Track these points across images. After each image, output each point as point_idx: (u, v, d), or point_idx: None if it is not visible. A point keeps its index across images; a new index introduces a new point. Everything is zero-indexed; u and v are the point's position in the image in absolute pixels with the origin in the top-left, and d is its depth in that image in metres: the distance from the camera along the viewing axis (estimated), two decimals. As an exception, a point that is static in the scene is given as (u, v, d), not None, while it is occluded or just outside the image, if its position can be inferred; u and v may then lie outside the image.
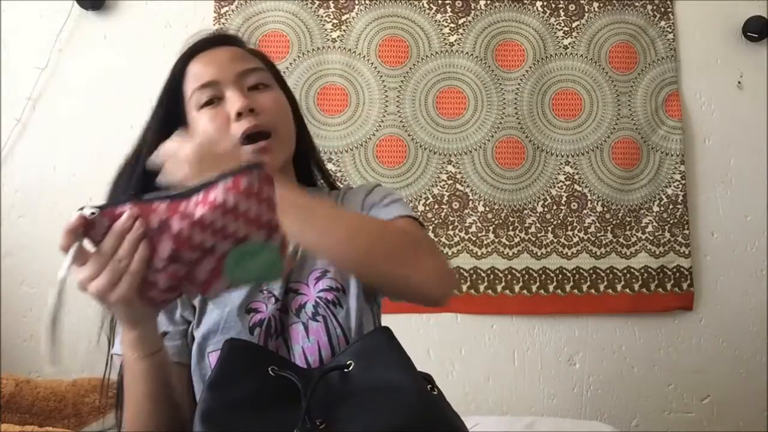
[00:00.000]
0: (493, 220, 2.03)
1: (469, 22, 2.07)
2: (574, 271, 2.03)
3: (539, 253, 2.03)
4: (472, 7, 2.08)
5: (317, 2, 2.06)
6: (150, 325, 0.78)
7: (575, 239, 2.04)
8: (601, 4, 2.10)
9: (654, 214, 2.06)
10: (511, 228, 2.04)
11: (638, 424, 2.03)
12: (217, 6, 2.04)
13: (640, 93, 2.08)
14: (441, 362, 2.00)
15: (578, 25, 2.09)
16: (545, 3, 2.09)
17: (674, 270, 2.04)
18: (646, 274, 2.04)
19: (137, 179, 0.91)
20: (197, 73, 0.95)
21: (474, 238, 2.03)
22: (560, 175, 2.06)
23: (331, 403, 0.76)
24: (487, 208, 2.04)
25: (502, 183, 2.05)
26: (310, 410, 0.73)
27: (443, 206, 2.03)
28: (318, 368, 0.84)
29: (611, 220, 2.05)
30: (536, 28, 2.08)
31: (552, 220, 2.05)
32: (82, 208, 0.67)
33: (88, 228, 0.67)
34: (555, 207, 2.05)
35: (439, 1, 2.08)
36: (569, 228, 2.05)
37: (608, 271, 2.04)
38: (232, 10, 2.04)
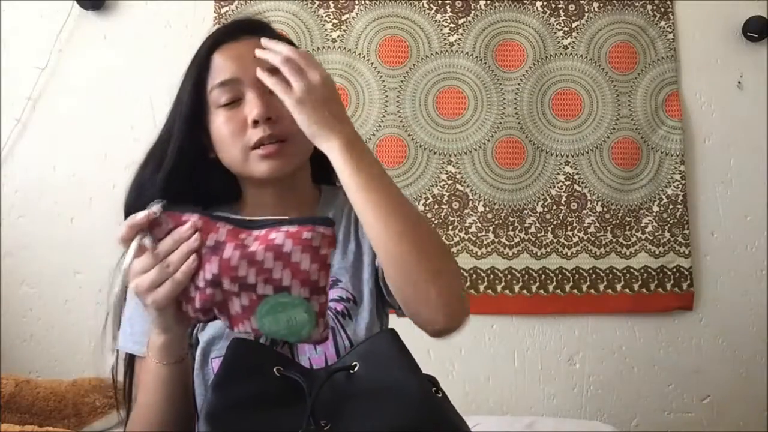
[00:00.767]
0: (493, 220, 2.03)
1: (469, 22, 2.07)
2: (574, 271, 2.03)
3: (539, 253, 2.04)
4: (472, 7, 2.08)
5: (317, 2, 2.05)
6: (179, 335, 0.77)
7: (575, 239, 2.04)
8: (601, 4, 2.10)
9: (654, 214, 2.06)
10: (510, 228, 2.04)
11: (638, 424, 2.03)
12: (217, 6, 2.04)
13: (640, 93, 2.08)
14: (441, 362, 2.00)
15: (578, 25, 2.09)
16: (545, 3, 2.09)
17: (674, 270, 2.05)
18: (645, 274, 2.04)
19: (166, 172, 0.90)
20: (220, 66, 0.91)
21: (474, 238, 2.03)
22: (560, 175, 2.06)
23: (336, 404, 0.76)
24: (487, 208, 2.04)
25: (502, 183, 2.05)
26: (315, 411, 0.74)
27: (443, 206, 2.03)
28: (323, 369, 0.84)
29: (611, 220, 2.05)
30: (536, 28, 2.08)
31: (552, 220, 2.05)
32: (152, 204, 0.69)
33: (153, 225, 0.69)
34: (555, 207, 2.05)
35: (439, 1, 2.07)
36: (569, 228, 2.05)
37: (608, 271, 2.04)
38: (232, 10, 2.03)
